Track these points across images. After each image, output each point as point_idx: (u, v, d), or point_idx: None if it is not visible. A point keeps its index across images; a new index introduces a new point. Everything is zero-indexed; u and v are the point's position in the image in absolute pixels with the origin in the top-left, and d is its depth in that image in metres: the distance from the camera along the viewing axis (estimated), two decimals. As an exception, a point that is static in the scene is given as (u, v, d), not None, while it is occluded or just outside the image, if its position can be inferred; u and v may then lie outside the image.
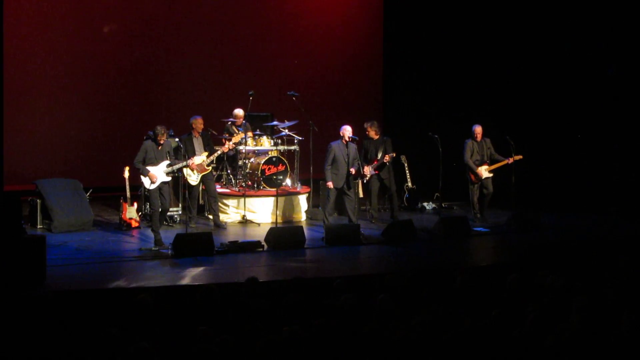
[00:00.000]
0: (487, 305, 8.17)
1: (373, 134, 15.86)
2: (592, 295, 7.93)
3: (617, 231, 15.50)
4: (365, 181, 15.84)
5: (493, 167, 16.27)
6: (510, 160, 16.03)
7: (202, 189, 15.73)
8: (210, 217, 15.66)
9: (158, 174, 13.38)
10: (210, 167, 15.19)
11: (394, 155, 15.87)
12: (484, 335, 6.95)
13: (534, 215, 15.90)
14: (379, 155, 15.72)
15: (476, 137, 16.29)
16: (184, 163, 13.90)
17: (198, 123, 15.21)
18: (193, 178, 14.92)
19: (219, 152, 15.24)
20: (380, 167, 15.82)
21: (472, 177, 16.31)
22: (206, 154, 14.92)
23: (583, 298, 7.63)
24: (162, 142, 13.47)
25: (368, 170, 15.62)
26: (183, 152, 14.27)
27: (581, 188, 17.87)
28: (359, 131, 15.35)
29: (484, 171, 16.23)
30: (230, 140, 15.63)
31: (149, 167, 13.34)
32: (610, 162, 17.81)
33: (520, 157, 16.02)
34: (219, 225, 15.25)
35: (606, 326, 7.17)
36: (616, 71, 17.79)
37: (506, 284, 9.23)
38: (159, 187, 13.44)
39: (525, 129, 17.95)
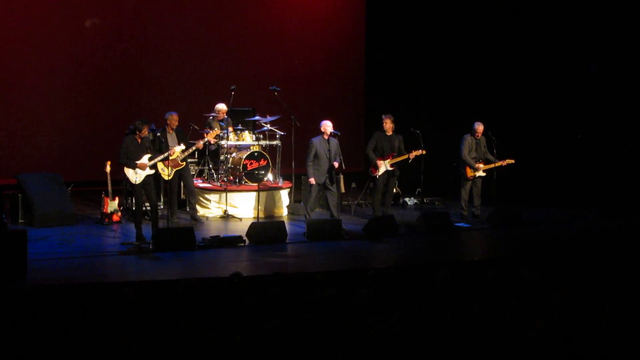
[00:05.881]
0: (469, 300, 8.19)
1: (389, 128, 15.57)
2: (573, 291, 7.97)
3: (597, 227, 15.56)
4: (377, 175, 15.53)
5: (487, 167, 16.11)
6: (504, 163, 16.01)
7: (182, 183, 15.71)
8: (190, 211, 15.66)
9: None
10: (184, 163, 15.13)
11: (424, 152, 15.41)
12: (465, 330, 6.97)
13: (516, 210, 15.95)
14: (396, 151, 15.57)
15: (477, 135, 16.10)
16: (166, 155, 13.86)
17: (173, 119, 15.20)
18: (166, 173, 14.81)
19: (193, 148, 15.19)
20: (397, 163, 15.64)
21: (468, 172, 16.14)
22: (182, 148, 14.81)
23: (563, 293, 7.66)
24: (142, 136, 13.41)
25: (382, 165, 15.48)
26: (158, 146, 14.21)
27: (562, 184, 17.93)
28: (340, 126, 15.29)
29: (481, 169, 16.10)
30: (209, 135, 15.60)
31: (134, 161, 13.31)
32: (591, 157, 17.86)
33: (512, 161, 16.05)
34: (197, 220, 15.24)
35: (587, 321, 7.21)
36: (599, 67, 17.83)
37: (487, 279, 9.25)
38: (143, 182, 13.38)
39: (506, 124, 17.94)
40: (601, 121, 17.86)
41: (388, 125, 15.50)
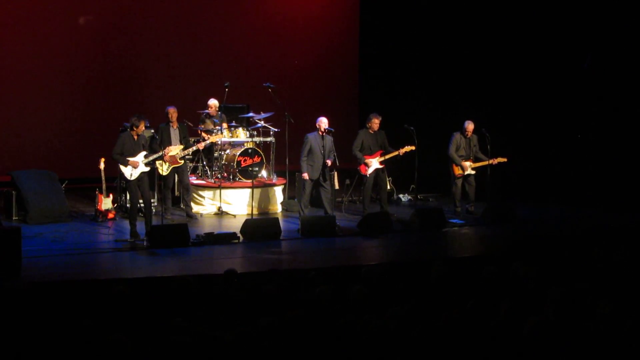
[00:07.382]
0: (463, 297, 8.21)
1: (376, 126, 15.46)
2: (567, 287, 7.98)
3: (591, 223, 15.55)
4: (368, 174, 15.34)
5: (476, 165, 16.09)
6: (494, 162, 15.98)
7: (177, 180, 15.69)
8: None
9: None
10: (182, 161, 15.11)
11: (413, 148, 15.27)
12: (459, 327, 6.99)
13: (509, 207, 15.96)
14: (381, 147, 15.42)
15: (467, 133, 16.08)
16: (160, 154, 13.85)
17: (171, 113, 15.12)
18: (163, 169, 14.79)
19: (194, 148, 15.16)
20: (386, 160, 15.52)
21: (455, 170, 16.13)
22: (181, 147, 14.82)
23: (557, 289, 7.67)
24: (139, 132, 13.38)
25: (372, 162, 15.42)
26: (158, 142, 14.18)
27: (556, 180, 17.93)
28: (334, 123, 15.24)
29: (468, 167, 16.07)
30: (208, 135, 15.56)
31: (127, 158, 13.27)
32: (585, 154, 17.86)
33: (505, 159, 16.01)
34: (191, 216, 15.24)
35: (581, 317, 7.22)
36: (591, 64, 17.82)
37: (481, 276, 9.26)
38: (138, 179, 13.36)
39: (501, 120, 17.93)
40: (598, 118, 17.85)
41: (377, 125, 15.48)
